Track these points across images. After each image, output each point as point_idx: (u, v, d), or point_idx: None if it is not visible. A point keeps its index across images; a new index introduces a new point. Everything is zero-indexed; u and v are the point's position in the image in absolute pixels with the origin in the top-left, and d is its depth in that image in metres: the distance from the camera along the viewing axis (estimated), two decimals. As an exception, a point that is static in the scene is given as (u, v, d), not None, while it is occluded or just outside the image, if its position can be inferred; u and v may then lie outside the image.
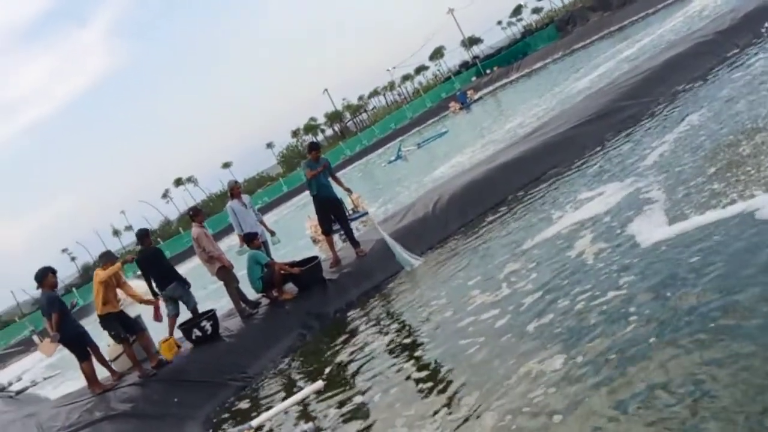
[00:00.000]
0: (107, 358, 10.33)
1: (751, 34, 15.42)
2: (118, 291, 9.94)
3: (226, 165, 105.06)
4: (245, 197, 12.19)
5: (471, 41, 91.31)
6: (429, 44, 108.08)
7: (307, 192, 12.62)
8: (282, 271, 11.25)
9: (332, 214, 11.87)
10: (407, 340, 8.14)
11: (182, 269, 11.18)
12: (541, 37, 69.06)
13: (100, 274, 9.70)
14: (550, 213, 10.07)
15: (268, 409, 8.03)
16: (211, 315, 10.61)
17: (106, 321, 9.77)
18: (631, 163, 10.47)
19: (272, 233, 12.24)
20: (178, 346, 10.54)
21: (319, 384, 7.48)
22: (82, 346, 9.66)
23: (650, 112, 13.46)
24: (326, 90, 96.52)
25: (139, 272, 11.10)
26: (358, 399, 7.06)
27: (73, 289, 61.43)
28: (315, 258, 11.89)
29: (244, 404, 8.89)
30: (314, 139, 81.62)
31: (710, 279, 5.64)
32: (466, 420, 5.44)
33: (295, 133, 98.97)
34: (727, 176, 7.80)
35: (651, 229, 7.42)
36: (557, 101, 24.84)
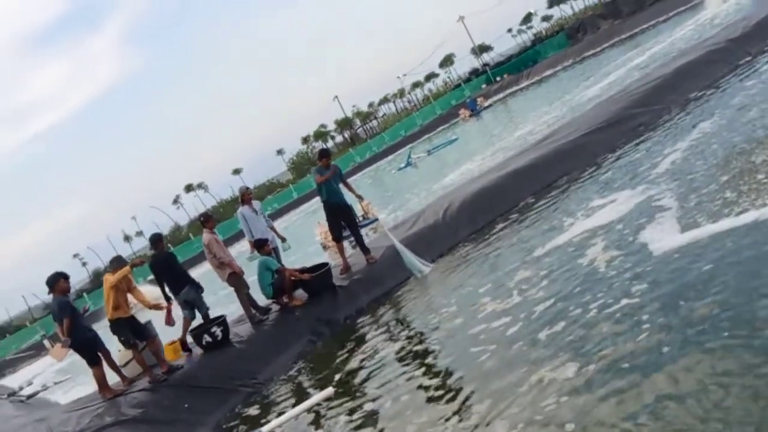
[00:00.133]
0: (118, 364, 10.35)
1: (764, 42, 15.36)
2: (129, 296, 9.96)
3: (237, 171, 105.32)
4: (256, 203, 12.21)
5: (481, 49, 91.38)
6: (439, 51, 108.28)
7: (317, 199, 12.64)
8: (292, 278, 11.25)
9: (342, 221, 11.87)
10: (418, 348, 8.12)
11: (193, 275, 11.16)
12: (552, 45, 69.00)
13: (109, 279, 9.72)
14: (562, 220, 10.03)
15: (278, 415, 8.03)
16: (221, 321, 10.61)
17: (116, 326, 9.78)
18: (642, 171, 10.43)
19: (283, 239, 12.25)
20: (189, 350, 10.56)
21: (330, 391, 7.48)
22: (92, 351, 9.67)
23: (662, 120, 13.41)
24: (336, 97, 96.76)
25: (150, 277, 11.14)
26: (368, 406, 7.04)
27: (84, 294, 61.65)
28: (325, 264, 11.89)
29: (254, 410, 8.88)
30: (324, 146, 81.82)
31: (722, 288, 5.61)
32: (477, 428, 5.42)
33: (305, 140, 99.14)
34: (739, 184, 7.76)
35: (663, 237, 7.39)
36: (567, 109, 24.79)
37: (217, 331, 10.42)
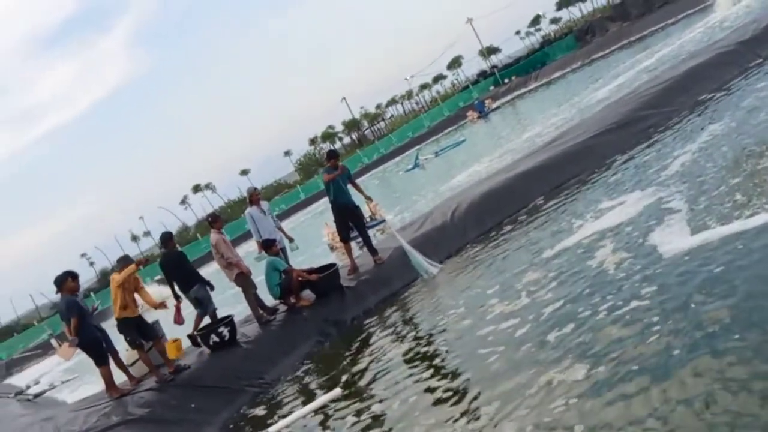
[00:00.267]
0: (125, 363, 10.36)
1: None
2: (136, 296, 9.97)
3: (244, 172, 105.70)
4: (264, 204, 12.22)
5: (489, 51, 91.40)
6: (447, 53, 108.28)
7: (324, 200, 12.68)
8: (300, 278, 11.25)
9: (350, 221, 11.85)
10: (425, 349, 8.09)
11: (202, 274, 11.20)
12: (560, 47, 68.86)
13: (116, 278, 9.74)
14: (571, 222, 9.99)
15: (285, 415, 8.02)
16: (228, 321, 10.62)
17: (123, 325, 9.79)
18: (652, 173, 10.38)
19: (291, 240, 12.25)
20: (199, 344, 10.59)
21: (337, 392, 7.47)
22: (100, 351, 9.68)
23: (672, 122, 13.34)
24: (344, 98, 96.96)
25: (157, 277, 11.19)
26: (376, 407, 7.01)
27: (91, 294, 61.80)
28: (333, 265, 11.88)
29: (261, 411, 8.87)
30: (332, 147, 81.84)
31: (733, 292, 5.56)
32: (485, 430, 5.39)
33: (312, 141, 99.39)
34: (749, 187, 7.71)
35: (673, 239, 7.34)
36: (576, 111, 24.72)
37: (225, 331, 10.43)
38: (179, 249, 11.77)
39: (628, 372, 5.12)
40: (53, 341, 40.25)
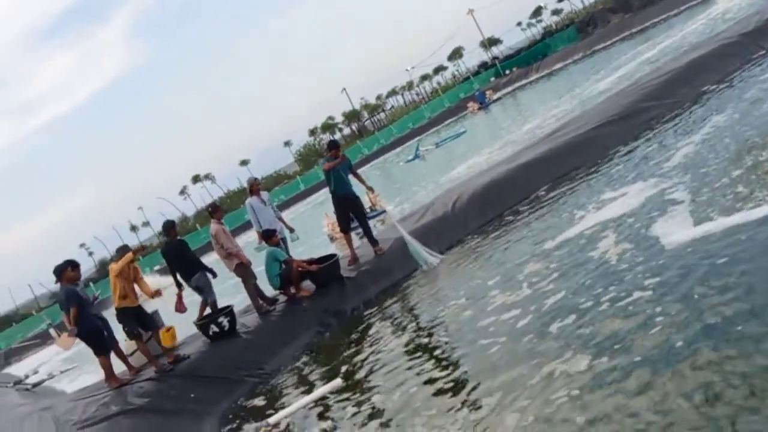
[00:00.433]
0: (125, 353, 10.34)
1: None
2: (135, 286, 9.94)
3: (244, 162, 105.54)
4: (264, 194, 12.18)
5: (490, 42, 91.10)
6: (448, 44, 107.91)
7: (324, 190, 12.66)
8: (300, 269, 11.21)
9: (351, 212, 11.80)
10: (426, 339, 8.06)
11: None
12: (562, 39, 68.70)
13: (114, 268, 9.72)
14: (573, 213, 9.94)
15: (284, 406, 7.99)
16: (228, 311, 10.59)
17: (122, 315, 9.78)
18: (654, 164, 10.33)
19: (291, 230, 12.21)
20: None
21: (338, 382, 7.43)
22: (99, 341, 9.66)
23: (674, 114, 13.29)
24: (344, 89, 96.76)
25: (156, 267, 11.19)
26: (376, 398, 6.98)
27: (91, 284, 61.80)
28: (333, 256, 11.84)
29: (261, 401, 8.85)
30: (333, 138, 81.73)
31: (735, 284, 5.52)
32: (487, 421, 5.36)
33: (312, 132, 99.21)
34: (752, 178, 7.67)
35: (676, 230, 7.30)
36: (577, 102, 24.67)
37: (224, 321, 10.41)
38: (181, 238, 11.74)
39: (630, 363, 5.08)
40: (52, 331, 40.25)
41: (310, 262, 11.59)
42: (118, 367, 10.21)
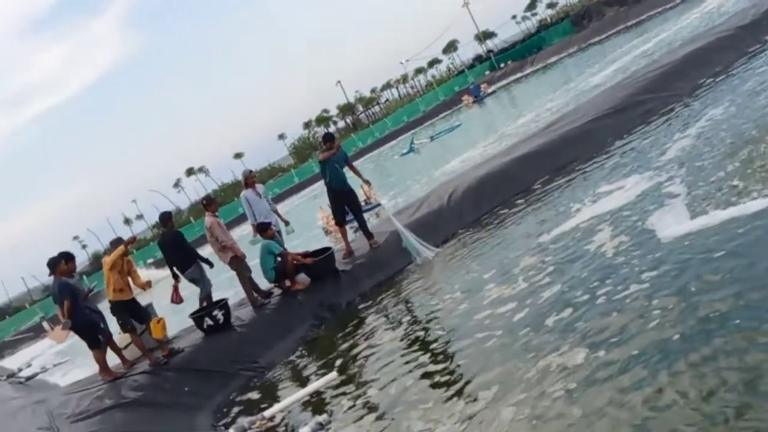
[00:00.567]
0: (119, 346, 10.28)
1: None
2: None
3: (238, 155, 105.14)
4: (259, 187, 12.11)
5: (485, 35, 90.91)
6: (443, 37, 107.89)
7: (318, 183, 12.61)
8: (295, 262, 11.16)
9: (346, 205, 11.75)
10: (421, 333, 8.04)
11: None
12: (557, 32, 68.51)
13: (107, 261, 9.67)
14: (569, 206, 9.93)
15: (279, 399, 7.96)
16: (223, 304, 10.55)
17: (116, 308, 9.72)
18: (651, 157, 10.32)
19: (286, 223, 12.14)
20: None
21: (333, 375, 7.39)
22: (93, 334, 9.61)
23: (670, 107, 13.28)
24: (339, 82, 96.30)
25: (150, 260, 11.14)
26: (372, 392, 6.96)
27: (84, 277, 61.65)
28: (328, 249, 11.79)
29: (255, 395, 8.82)
30: (327, 130, 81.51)
31: (732, 278, 5.52)
32: (483, 414, 5.34)
33: (307, 125, 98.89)
34: (748, 172, 7.66)
35: (672, 223, 7.30)
36: (572, 96, 24.62)
37: (219, 314, 10.35)
38: (177, 229, 11.71)
39: (626, 358, 5.08)
40: (45, 324, 40.10)
41: (305, 255, 11.53)
42: (112, 360, 10.16)
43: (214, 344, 10.16)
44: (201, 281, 10.86)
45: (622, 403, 4.58)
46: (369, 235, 11.96)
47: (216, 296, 11.18)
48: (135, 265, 10.30)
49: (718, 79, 13.73)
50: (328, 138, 11.85)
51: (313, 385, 7.45)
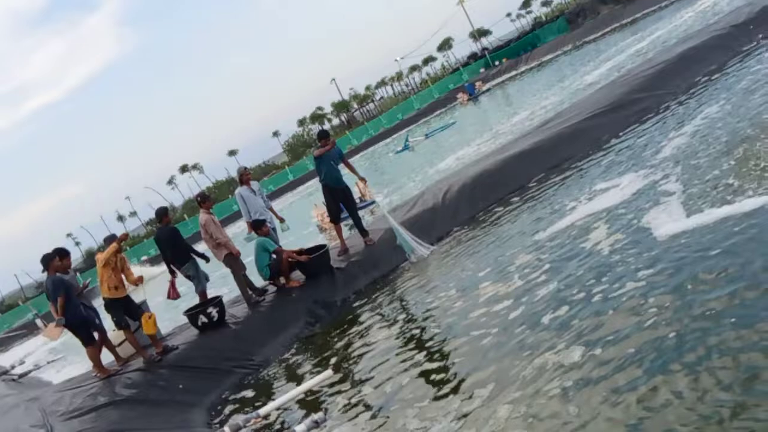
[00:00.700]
0: (113, 343, 10.25)
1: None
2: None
3: (232, 153, 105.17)
4: (254, 184, 12.07)
5: (480, 33, 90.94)
6: (437, 35, 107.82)
7: (313, 181, 12.61)
8: (290, 259, 11.13)
9: (341, 202, 11.72)
10: (417, 331, 8.01)
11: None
12: (551, 30, 68.53)
13: (100, 258, 9.63)
14: (564, 204, 9.91)
15: (273, 397, 7.94)
16: (217, 301, 10.51)
17: (110, 306, 9.68)
18: (646, 155, 10.31)
19: (282, 220, 12.11)
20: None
21: (329, 373, 7.37)
22: (87, 331, 9.57)
23: (666, 105, 13.28)
24: (333, 80, 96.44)
25: (143, 257, 11.12)
26: (367, 389, 6.93)
27: (77, 273, 61.47)
28: (323, 246, 11.77)
29: (250, 392, 8.79)
30: (322, 128, 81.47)
31: (728, 277, 5.50)
32: (480, 412, 5.32)
33: (301, 122, 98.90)
34: (743, 171, 7.65)
35: (668, 221, 7.30)
36: (566, 94, 24.62)
37: (213, 311, 10.32)
38: (173, 225, 11.69)
39: (622, 356, 5.06)
40: (38, 321, 40.07)
41: (300, 252, 11.51)
42: (106, 357, 10.12)
43: (209, 341, 10.13)
44: (196, 277, 10.84)
45: (618, 402, 4.57)
46: (364, 232, 11.94)
47: (210, 293, 11.16)
48: (128, 262, 10.26)
49: (713, 77, 13.72)
50: (323, 135, 11.81)
51: (309, 383, 7.44)
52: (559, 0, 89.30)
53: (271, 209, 12.08)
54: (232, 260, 10.91)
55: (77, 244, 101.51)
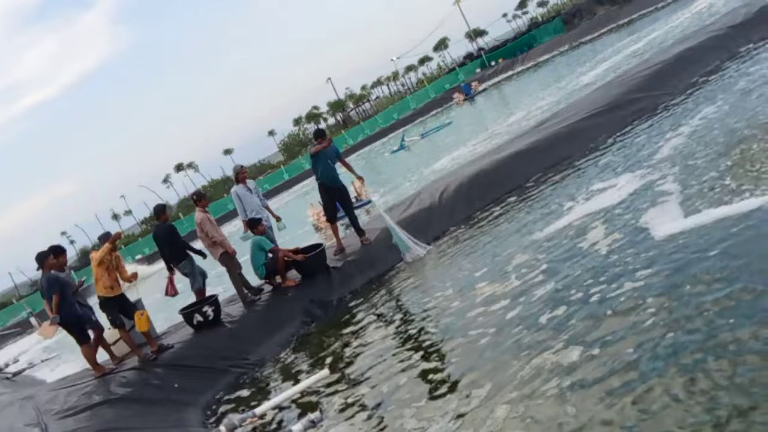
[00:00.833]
0: (108, 342, 10.20)
1: (766, 30, 15.19)
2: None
3: (228, 152, 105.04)
4: (250, 182, 12.02)
5: (476, 33, 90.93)
6: (433, 35, 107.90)
7: (308, 180, 12.58)
8: (286, 258, 11.09)
9: (337, 201, 11.68)
10: (413, 330, 7.98)
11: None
12: (548, 30, 68.57)
13: (95, 257, 9.58)
14: (561, 204, 9.90)
15: (269, 396, 7.90)
16: (213, 300, 10.48)
17: (105, 304, 9.64)
18: (643, 155, 10.30)
19: (278, 219, 12.07)
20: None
21: (325, 373, 7.34)
22: (81, 329, 9.51)
23: (663, 105, 13.28)
24: (329, 79, 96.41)
25: (138, 256, 11.10)
26: (364, 389, 6.90)
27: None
28: (319, 245, 11.73)
29: (245, 392, 8.75)
30: (318, 127, 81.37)
31: (726, 278, 5.49)
32: (477, 412, 5.30)
33: (297, 121, 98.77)
34: (740, 171, 7.66)
35: (665, 221, 7.29)
36: (562, 95, 24.62)
37: (209, 310, 10.28)
38: (170, 223, 11.68)
39: (619, 357, 5.05)
40: (33, 320, 39.94)
41: (296, 251, 11.47)
42: (101, 356, 10.07)
43: (204, 340, 10.09)
44: (192, 275, 10.81)
45: (614, 403, 4.55)
46: (360, 231, 11.91)
47: (209, 291, 11.16)
48: (123, 260, 10.21)
49: (710, 78, 13.74)
50: (320, 134, 11.77)
51: (305, 383, 7.41)
52: (556, 0, 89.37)
53: (267, 208, 12.04)
54: (228, 259, 10.87)
55: (72, 242, 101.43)
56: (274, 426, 7.15)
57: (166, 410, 8.66)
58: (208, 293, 11.07)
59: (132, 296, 10.28)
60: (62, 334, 10.04)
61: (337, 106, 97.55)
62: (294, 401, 7.44)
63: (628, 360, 4.95)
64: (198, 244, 11.42)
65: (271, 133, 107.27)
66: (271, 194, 59.36)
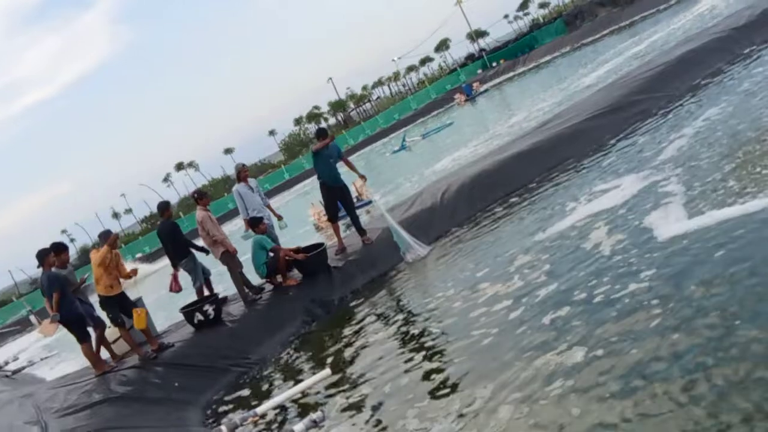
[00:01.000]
0: (108, 340, 10.18)
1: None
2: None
3: (228, 151, 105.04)
4: (252, 181, 12.00)
5: (477, 34, 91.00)
6: (435, 36, 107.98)
7: (309, 180, 12.56)
8: (287, 257, 11.06)
9: (338, 200, 11.66)
10: (415, 330, 7.95)
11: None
12: (549, 32, 68.64)
13: (95, 258, 9.56)
14: (564, 205, 9.87)
15: (269, 395, 7.88)
16: (213, 299, 10.46)
17: (106, 303, 9.62)
18: (647, 157, 10.28)
19: (279, 218, 12.05)
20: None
21: (326, 372, 7.32)
22: (81, 327, 9.49)
23: (666, 107, 13.26)
24: (330, 79, 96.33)
25: (138, 255, 11.10)
26: (366, 389, 6.87)
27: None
28: (321, 244, 11.70)
29: (246, 391, 8.73)
30: (320, 126, 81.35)
31: (729, 278, 5.47)
32: (480, 413, 5.27)
33: (297, 121, 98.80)
34: (744, 173, 7.64)
35: (669, 222, 7.26)
36: (564, 96, 24.62)
37: (210, 309, 10.26)
38: (173, 220, 11.70)
39: (622, 359, 5.02)
40: (32, 318, 39.97)
41: (298, 250, 11.45)
42: (102, 354, 10.05)
43: (205, 339, 10.07)
44: (194, 272, 10.81)
45: (617, 405, 4.52)
46: (362, 231, 11.88)
47: (212, 289, 11.16)
48: (122, 258, 10.20)
49: (713, 80, 13.72)
50: (321, 134, 11.75)
51: (306, 382, 7.39)
52: (557, 2, 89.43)
53: (268, 206, 12.01)
54: (229, 258, 10.85)
55: (72, 240, 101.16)
56: (275, 426, 7.13)
57: (166, 409, 8.64)
58: (216, 290, 11.08)
59: (132, 294, 10.26)
60: (62, 332, 10.01)
61: (338, 106, 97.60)
62: (295, 401, 7.42)
63: (631, 362, 4.92)
64: (199, 243, 11.41)
65: (272, 132, 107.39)
66: (272, 194, 59.30)
